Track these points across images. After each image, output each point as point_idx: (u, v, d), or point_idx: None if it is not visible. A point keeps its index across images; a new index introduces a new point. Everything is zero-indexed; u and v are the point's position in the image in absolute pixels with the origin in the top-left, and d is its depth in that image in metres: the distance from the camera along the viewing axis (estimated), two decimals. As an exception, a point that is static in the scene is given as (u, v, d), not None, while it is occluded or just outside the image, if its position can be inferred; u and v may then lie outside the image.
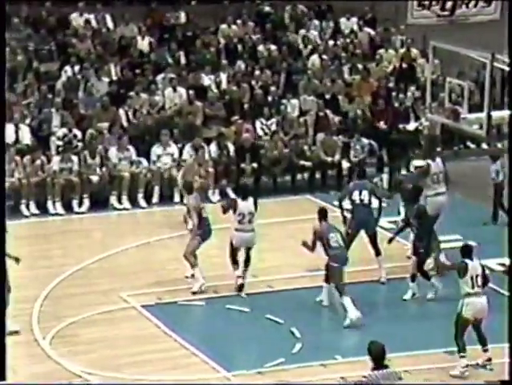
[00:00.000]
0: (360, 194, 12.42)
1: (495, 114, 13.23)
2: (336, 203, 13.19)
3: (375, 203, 12.62)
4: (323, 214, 11.69)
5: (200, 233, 12.19)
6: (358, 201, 12.41)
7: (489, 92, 12.99)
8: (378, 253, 12.47)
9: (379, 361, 7.92)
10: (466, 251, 10.49)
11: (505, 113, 14.04)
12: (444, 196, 12.88)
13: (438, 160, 12.99)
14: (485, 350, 10.47)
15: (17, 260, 10.97)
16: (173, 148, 16.05)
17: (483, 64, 13.47)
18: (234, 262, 12.23)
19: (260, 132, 16.98)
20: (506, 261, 12.76)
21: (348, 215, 12.60)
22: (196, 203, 12.30)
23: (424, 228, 11.89)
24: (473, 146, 18.17)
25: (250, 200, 12.18)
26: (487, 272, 10.69)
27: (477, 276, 10.35)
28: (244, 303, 11.78)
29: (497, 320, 10.40)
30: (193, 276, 12.27)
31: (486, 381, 9.49)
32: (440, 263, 12.21)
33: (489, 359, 10.40)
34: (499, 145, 18.29)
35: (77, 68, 17.46)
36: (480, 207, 14.81)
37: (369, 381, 7.81)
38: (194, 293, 12.10)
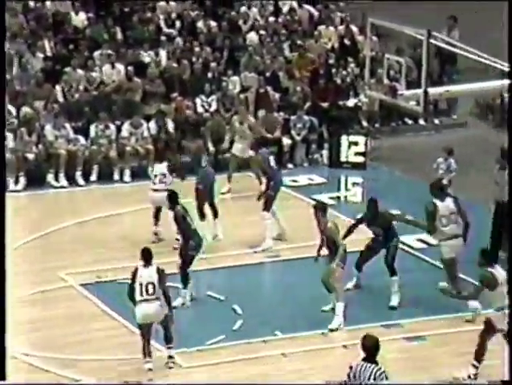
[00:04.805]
0: None
1: (432, 90, 13.35)
2: None
3: None
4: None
5: None
6: None
7: (425, 69, 13.08)
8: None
9: (369, 354, 7.80)
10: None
11: (442, 89, 14.19)
12: (459, 239, 11.22)
13: (449, 200, 11.35)
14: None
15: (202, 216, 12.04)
16: (112, 129, 15.85)
17: (420, 41, 13.54)
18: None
19: (200, 109, 16.87)
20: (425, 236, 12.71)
21: None
22: None
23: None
24: (410, 122, 18.35)
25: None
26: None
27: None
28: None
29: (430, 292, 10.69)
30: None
31: (489, 381, 9.63)
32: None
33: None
34: (436, 121, 18.56)
35: (10, 44, 17.07)
36: (417, 182, 14.94)
37: (351, 372, 7.77)
38: None
